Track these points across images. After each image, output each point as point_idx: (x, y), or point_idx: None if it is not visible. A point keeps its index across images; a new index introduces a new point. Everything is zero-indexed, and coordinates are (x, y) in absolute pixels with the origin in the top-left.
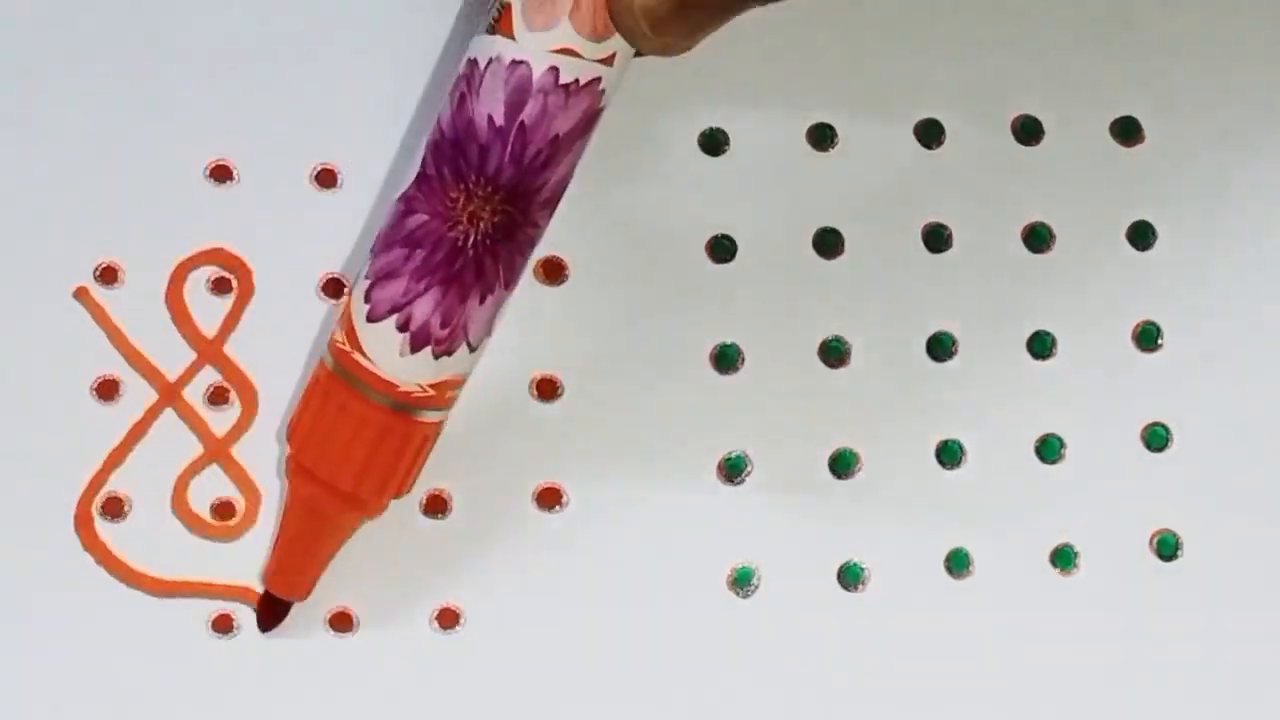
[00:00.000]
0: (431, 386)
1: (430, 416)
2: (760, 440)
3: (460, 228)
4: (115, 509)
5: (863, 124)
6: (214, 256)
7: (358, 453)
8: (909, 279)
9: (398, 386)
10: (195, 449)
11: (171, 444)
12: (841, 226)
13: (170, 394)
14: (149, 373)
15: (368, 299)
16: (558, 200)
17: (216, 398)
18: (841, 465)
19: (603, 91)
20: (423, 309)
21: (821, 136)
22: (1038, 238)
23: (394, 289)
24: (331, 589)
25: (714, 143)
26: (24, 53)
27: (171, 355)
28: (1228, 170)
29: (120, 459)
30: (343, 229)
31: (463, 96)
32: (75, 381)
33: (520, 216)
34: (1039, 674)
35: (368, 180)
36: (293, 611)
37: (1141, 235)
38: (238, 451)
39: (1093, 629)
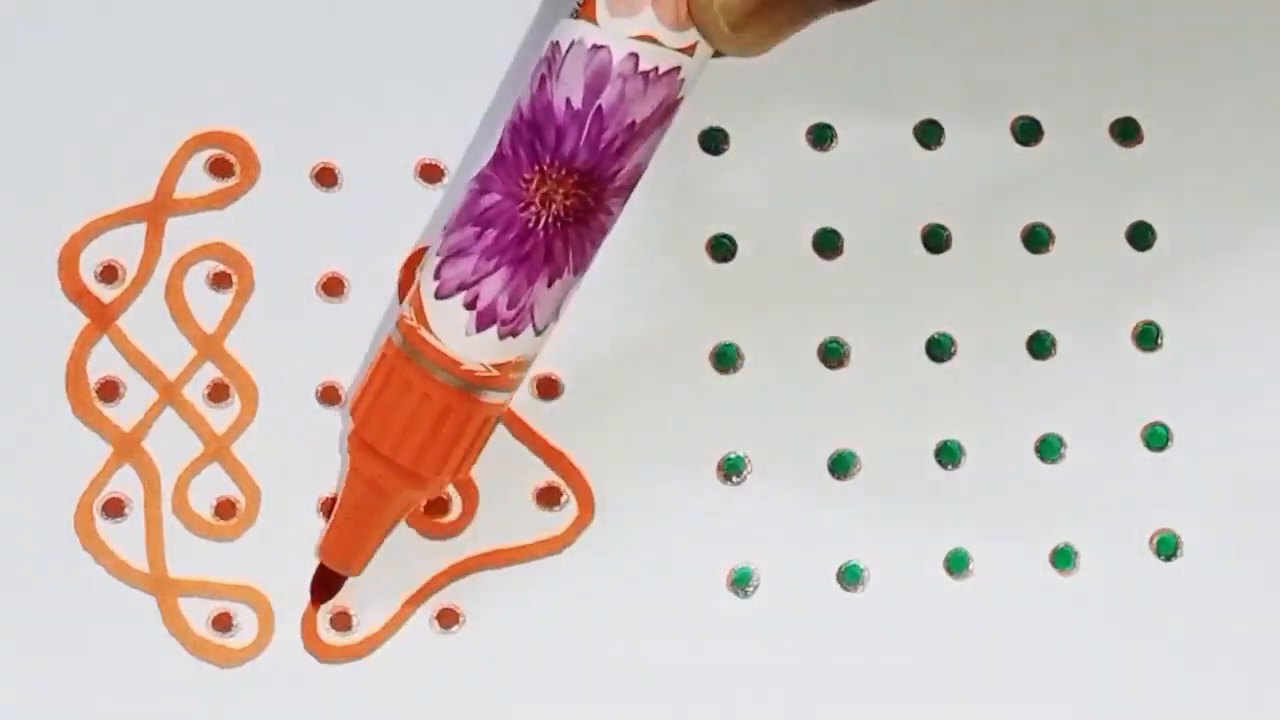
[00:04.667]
0: (495, 367)
1: (493, 398)
2: (760, 440)
3: (532, 209)
4: (116, 509)
5: (863, 124)
6: (214, 251)
7: (419, 429)
8: (909, 279)
9: (461, 364)
10: (196, 448)
11: (172, 443)
12: (841, 226)
13: (170, 392)
14: (149, 372)
15: (437, 275)
16: (631, 188)
17: (216, 395)
18: (841, 465)
19: (682, 81)
20: (490, 288)
21: (821, 136)
22: (1038, 238)
23: (463, 267)
24: None
25: (714, 142)
26: (24, 50)
27: (171, 352)
28: (1228, 170)
29: (121, 460)
30: (343, 226)
31: (543, 79)
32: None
33: (593, 202)
34: (1039, 674)
35: (368, 178)
36: (291, 609)
37: (1141, 235)
38: (238, 449)
39: (1093, 629)
